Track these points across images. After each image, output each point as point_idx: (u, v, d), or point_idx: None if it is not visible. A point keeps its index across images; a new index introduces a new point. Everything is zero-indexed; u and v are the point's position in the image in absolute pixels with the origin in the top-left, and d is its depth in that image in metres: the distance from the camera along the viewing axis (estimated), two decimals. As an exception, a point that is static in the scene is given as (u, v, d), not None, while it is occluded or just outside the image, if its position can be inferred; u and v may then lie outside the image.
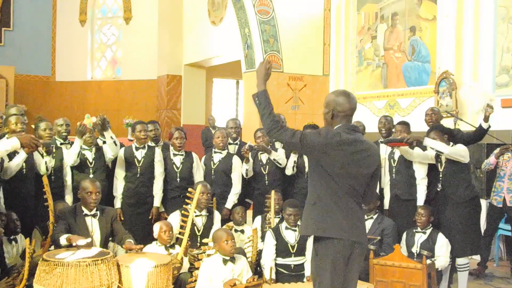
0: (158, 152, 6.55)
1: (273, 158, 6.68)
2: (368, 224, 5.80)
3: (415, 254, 5.71)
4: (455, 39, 8.02)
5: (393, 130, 6.59)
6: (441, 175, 6.07)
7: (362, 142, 3.63)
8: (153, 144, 6.73)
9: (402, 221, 6.11)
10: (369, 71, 9.62)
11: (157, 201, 6.44)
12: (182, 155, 6.57)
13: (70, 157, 6.13)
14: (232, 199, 6.60)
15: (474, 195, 6.00)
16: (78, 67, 14.42)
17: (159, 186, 6.46)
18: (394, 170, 6.35)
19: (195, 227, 5.70)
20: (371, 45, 9.57)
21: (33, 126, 6.50)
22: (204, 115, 13.36)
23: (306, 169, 6.57)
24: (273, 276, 5.40)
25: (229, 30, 10.91)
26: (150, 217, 6.38)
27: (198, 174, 6.61)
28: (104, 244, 5.05)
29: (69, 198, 6.10)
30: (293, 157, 6.64)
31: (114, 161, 6.50)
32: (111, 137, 6.28)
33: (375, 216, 6.02)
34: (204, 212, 5.80)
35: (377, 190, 6.08)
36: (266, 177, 6.75)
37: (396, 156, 6.35)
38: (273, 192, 6.22)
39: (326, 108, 3.67)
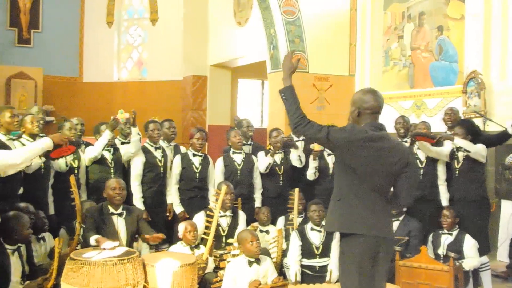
0: (170, 153, 6.63)
1: (298, 155, 6.64)
2: (395, 225, 5.75)
3: (441, 256, 5.65)
4: (483, 38, 7.90)
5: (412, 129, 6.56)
6: (457, 172, 6.15)
7: (389, 139, 3.61)
8: (164, 145, 6.75)
9: (427, 222, 6.08)
10: (395, 71, 9.53)
11: (170, 199, 6.48)
12: (201, 156, 6.56)
13: (95, 149, 6.17)
14: (260, 198, 6.61)
15: (484, 195, 6.09)
16: (105, 68, 14.54)
17: (172, 183, 6.48)
18: (421, 171, 6.31)
19: (220, 228, 5.71)
20: (398, 45, 9.48)
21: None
22: (229, 116, 13.37)
23: (330, 171, 6.55)
24: (299, 279, 5.39)
25: (254, 30, 10.90)
26: (167, 214, 6.41)
27: (212, 177, 6.61)
28: (129, 243, 5.09)
29: (84, 197, 6.16)
30: (313, 163, 6.58)
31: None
32: (138, 134, 6.32)
33: (401, 218, 5.99)
34: (228, 213, 5.81)
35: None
36: (281, 177, 6.72)
37: (423, 158, 6.30)
38: (296, 190, 6.19)
39: (353, 106, 3.65)
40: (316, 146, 6.42)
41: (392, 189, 3.65)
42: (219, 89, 13.30)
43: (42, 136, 5.69)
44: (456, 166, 6.14)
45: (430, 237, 5.94)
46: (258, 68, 11.55)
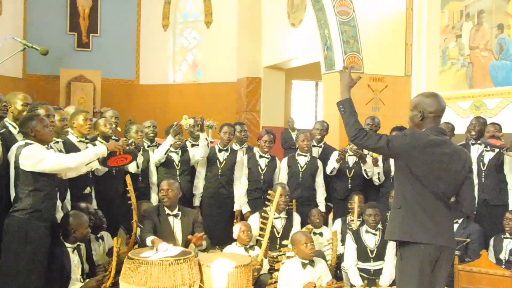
0: (240, 156, 6.62)
1: (364, 169, 6.57)
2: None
3: (504, 261, 5.48)
4: (547, 36, 7.64)
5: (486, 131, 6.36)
6: None
7: (451, 145, 3.55)
8: (237, 147, 6.80)
9: (490, 227, 5.89)
10: (453, 71, 9.31)
11: (237, 205, 6.50)
12: (268, 158, 6.59)
13: (158, 153, 6.29)
14: (324, 203, 6.57)
15: None
16: (161, 71, 14.78)
17: (237, 189, 6.52)
18: (483, 174, 6.13)
19: (275, 229, 5.71)
20: (456, 44, 9.26)
21: (119, 129, 6.72)
22: (283, 117, 13.36)
23: (392, 173, 6.45)
24: (360, 283, 5.31)
25: (308, 31, 10.86)
26: (234, 221, 6.44)
27: (279, 179, 6.59)
28: (185, 244, 5.15)
29: (154, 197, 6.28)
30: (377, 169, 6.52)
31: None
32: (206, 139, 6.40)
33: (460, 221, 5.84)
34: (283, 215, 5.80)
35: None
36: (349, 180, 6.65)
37: (486, 160, 6.13)
38: (356, 197, 6.13)
39: (415, 110, 3.61)
40: (375, 154, 6.33)
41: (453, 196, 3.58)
42: (273, 90, 13.31)
43: (115, 139, 5.91)
44: None
45: (492, 241, 5.76)
46: (312, 69, 11.49)
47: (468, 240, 5.63)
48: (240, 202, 6.50)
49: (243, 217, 6.45)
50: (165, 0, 14.71)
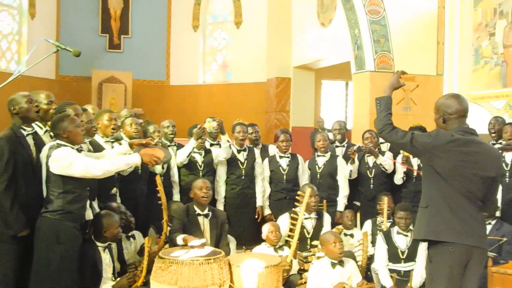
0: (257, 153, 6.65)
1: (379, 163, 6.55)
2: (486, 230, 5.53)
3: (539, 264, 5.36)
4: None
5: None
6: None
7: (479, 144, 3.50)
8: (251, 146, 6.81)
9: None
10: (486, 69, 9.16)
11: (259, 201, 6.51)
12: (288, 157, 6.60)
13: (180, 155, 6.32)
14: (342, 201, 6.55)
15: None
16: (191, 72, 14.85)
17: (260, 186, 6.52)
18: (508, 173, 6.05)
19: (305, 230, 5.70)
20: (489, 43, 9.11)
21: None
22: (313, 117, 13.32)
23: (414, 173, 6.42)
24: (391, 283, 5.26)
25: (338, 31, 10.79)
26: (256, 217, 6.45)
27: (304, 177, 6.61)
28: (215, 244, 5.17)
29: (177, 197, 6.31)
30: (402, 168, 6.48)
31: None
32: (228, 141, 6.42)
33: (493, 222, 5.74)
34: (313, 215, 5.78)
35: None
36: (371, 180, 6.62)
37: (508, 160, 6.08)
38: (385, 198, 6.08)
39: (437, 114, 3.68)
40: (406, 152, 6.31)
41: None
42: (303, 90, 13.26)
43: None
44: None
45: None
46: (342, 69, 11.43)
47: (505, 239, 5.53)
48: (262, 200, 6.52)
49: (264, 217, 6.47)
50: (195, 1, 14.78)
